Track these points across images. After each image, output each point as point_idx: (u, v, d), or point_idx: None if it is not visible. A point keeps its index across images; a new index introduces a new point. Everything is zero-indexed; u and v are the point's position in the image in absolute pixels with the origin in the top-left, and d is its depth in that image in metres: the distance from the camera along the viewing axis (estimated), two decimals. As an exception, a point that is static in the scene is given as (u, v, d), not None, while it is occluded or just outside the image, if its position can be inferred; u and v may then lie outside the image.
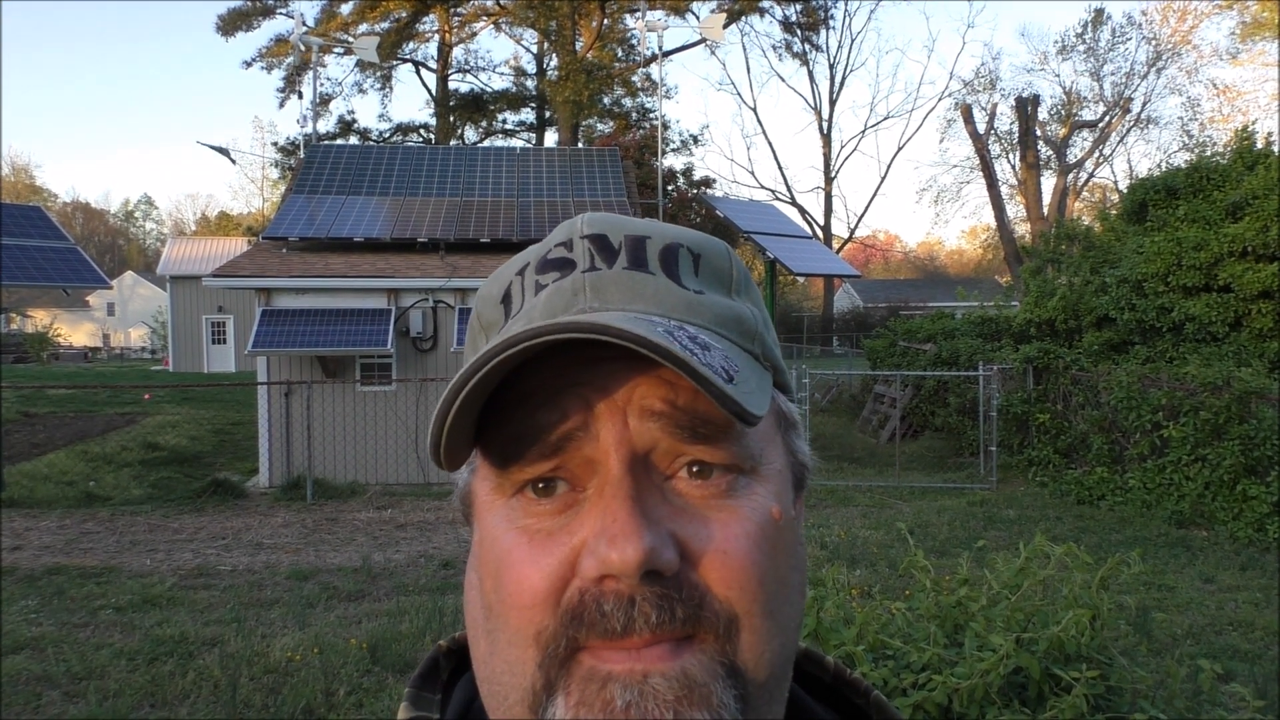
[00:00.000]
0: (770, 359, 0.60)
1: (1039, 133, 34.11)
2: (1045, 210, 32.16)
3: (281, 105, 36.23)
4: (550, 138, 34.12)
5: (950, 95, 51.72)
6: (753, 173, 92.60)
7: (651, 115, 32.09)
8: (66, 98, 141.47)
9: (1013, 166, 37.02)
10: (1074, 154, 37.31)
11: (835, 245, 39.22)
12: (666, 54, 19.31)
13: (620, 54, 31.06)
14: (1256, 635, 6.14)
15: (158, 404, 21.63)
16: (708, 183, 31.08)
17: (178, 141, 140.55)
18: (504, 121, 36.39)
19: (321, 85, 32.17)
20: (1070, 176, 36.84)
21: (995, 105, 37.17)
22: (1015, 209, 37.43)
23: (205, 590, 7.46)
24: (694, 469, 0.53)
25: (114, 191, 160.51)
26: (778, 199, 38.87)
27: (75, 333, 57.27)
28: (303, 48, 18.97)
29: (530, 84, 35.09)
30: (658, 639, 0.50)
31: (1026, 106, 32.03)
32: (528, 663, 0.52)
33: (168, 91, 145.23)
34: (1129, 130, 38.05)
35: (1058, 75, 58.42)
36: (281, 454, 12.72)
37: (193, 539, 9.48)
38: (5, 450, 12.63)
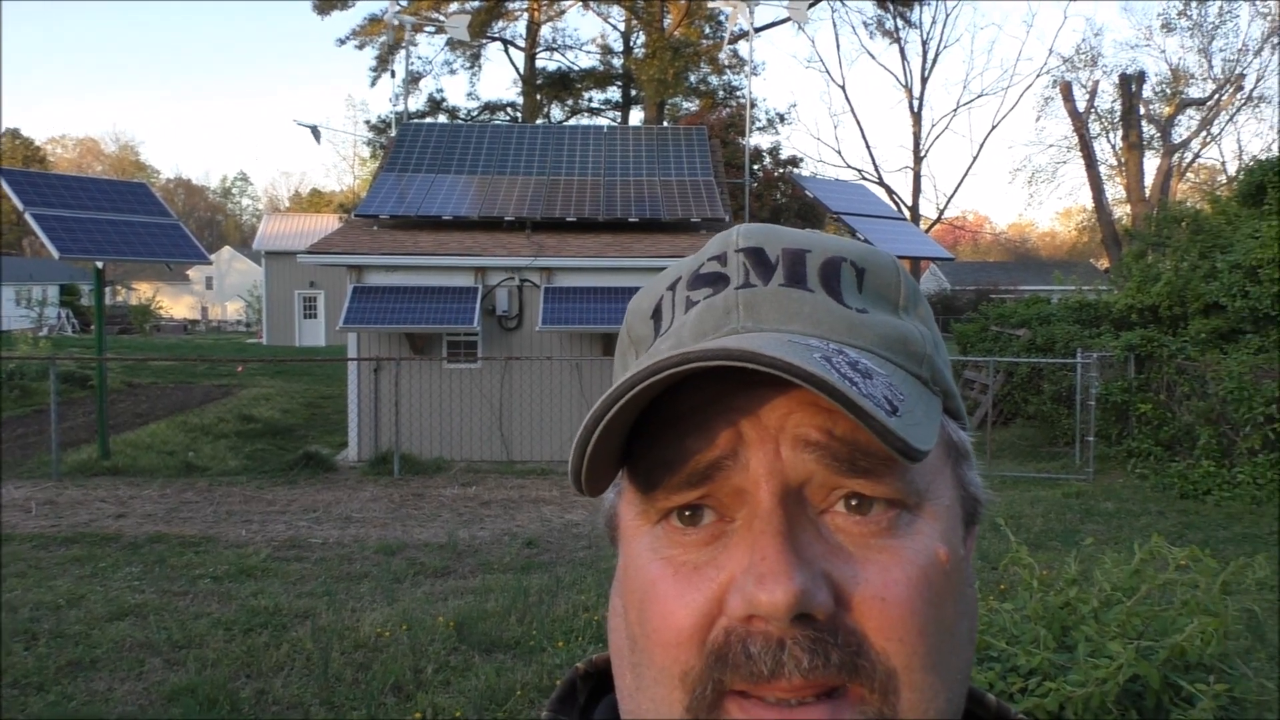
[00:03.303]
0: (940, 383, 0.56)
1: (1143, 111, 32.73)
2: (1147, 192, 30.88)
3: (373, 84, 36.95)
4: (635, 116, 34.00)
5: (1049, 72, 49.90)
6: (839, 152, 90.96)
7: (738, 93, 31.72)
8: (169, 78, 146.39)
9: (1113, 146, 35.59)
10: (1179, 133, 35.69)
11: (923, 226, 38.27)
12: (756, 31, 19.00)
13: (708, 31, 30.73)
14: (1381, 645, 5.80)
15: (252, 376, 22.28)
16: (794, 162, 30.56)
17: (274, 120, 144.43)
18: (590, 100, 36.39)
19: (412, 64, 32.61)
20: (1175, 157, 35.27)
21: (1097, 83, 35.74)
22: (1115, 190, 36.05)
23: (297, 562, 7.64)
24: (852, 503, 0.50)
25: (213, 169, 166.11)
26: (865, 179, 38.02)
27: (176, 305, 59.42)
28: (395, 26, 19.19)
29: (617, 62, 34.98)
30: (810, 686, 0.47)
31: (1130, 84, 30.75)
32: (675, 704, 0.49)
33: (266, 71, 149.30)
34: (1239, 109, 36.20)
35: (1163, 51, 56.15)
36: (370, 429, 12.96)
37: (285, 511, 9.72)
38: (110, 419, 13.11)
